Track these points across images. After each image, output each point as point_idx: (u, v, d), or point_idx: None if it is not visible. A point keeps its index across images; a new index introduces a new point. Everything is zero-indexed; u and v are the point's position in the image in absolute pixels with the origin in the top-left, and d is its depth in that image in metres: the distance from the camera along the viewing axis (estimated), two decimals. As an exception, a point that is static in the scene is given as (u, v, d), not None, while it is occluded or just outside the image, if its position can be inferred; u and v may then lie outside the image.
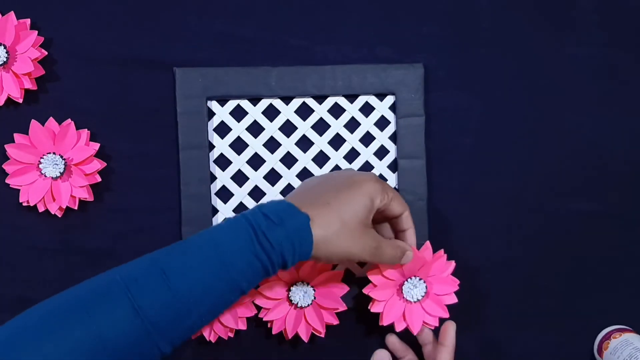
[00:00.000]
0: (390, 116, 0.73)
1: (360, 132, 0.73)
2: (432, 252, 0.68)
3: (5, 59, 0.68)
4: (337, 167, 0.73)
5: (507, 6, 0.73)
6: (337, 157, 0.73)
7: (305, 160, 0.73)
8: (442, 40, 0.73)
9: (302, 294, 0.68)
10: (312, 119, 0.73)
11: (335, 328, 0.70)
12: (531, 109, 0.74)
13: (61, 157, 0.68)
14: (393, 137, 0.73)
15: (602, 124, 0.74)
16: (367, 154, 0.73)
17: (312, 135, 0.73)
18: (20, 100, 0.69)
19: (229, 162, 0.72)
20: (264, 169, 0.73)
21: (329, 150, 0.73)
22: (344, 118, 0.73)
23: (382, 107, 0.73)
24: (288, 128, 0.73)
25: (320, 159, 0.73)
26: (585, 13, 0.74)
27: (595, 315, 0.74)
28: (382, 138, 0.73)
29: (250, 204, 0.73)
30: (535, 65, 0.74)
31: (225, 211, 0.72)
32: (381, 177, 0.73)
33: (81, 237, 0.72)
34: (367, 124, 0.73)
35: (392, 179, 0.73)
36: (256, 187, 0.73)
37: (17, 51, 0.68)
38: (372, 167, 0.73)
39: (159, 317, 0.53)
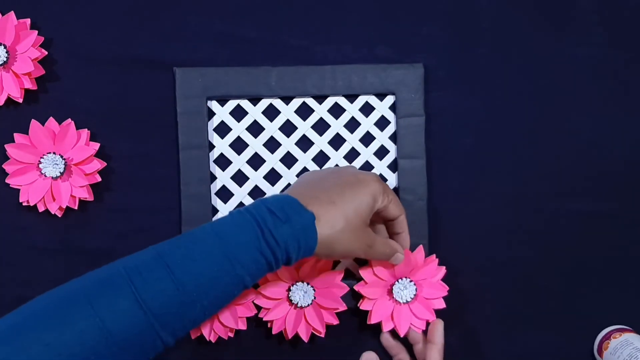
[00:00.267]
0: (390, 116, 0.73)
1: (360, 132, 0.73)
2: (425, 256, 0.69)
3: (5, 59, 0.68)
4: (337, 167, 0.73)
5: (507, 6, 0.73)
6: (337, 157, 0.73)
7: (305, 160, 0.73)
8: (442, 40, 0.73)
9: (302, 294, 0.68)
10: (312, 118, 0.73)
11: (335, 328, 0.70)
12: (531, 109, 0.74)
13: (61, 157, 0.68)
14: (393, 137, 0.73)
15: (602, 124, 0.74)
16: (367, 154, 0.73)
17: (312, 135, 0.73)
18: (20, 100, 0.69)
19: (229, 162, 0.72)
20: (264, 169, 0.73)
21: (329, 150, 0.73)
22: (344, 118, 0.73)
23: (382, 107, 0.73)
24: (288, 128, 0.73)
25: (320, 159, 0.73)
26: (585, 13, 0.74)
27: (595, 315, 0.74)
28: (382, 138, 0.73)
29: (250, 204, 0.73)
30: (535, 65, 0.74)
31: (225, 211, 0.72)
32: (381, 177, 0.73)
33: (81, 237, 0.72)
34: (367, 124, 0.73)
35: (392, 179, 0.73)
36: (256, 187, 0.73)
37: (17, 51, 0.68)
38: (372, 167, 0.73)
39: (162, 310, 0.54)
